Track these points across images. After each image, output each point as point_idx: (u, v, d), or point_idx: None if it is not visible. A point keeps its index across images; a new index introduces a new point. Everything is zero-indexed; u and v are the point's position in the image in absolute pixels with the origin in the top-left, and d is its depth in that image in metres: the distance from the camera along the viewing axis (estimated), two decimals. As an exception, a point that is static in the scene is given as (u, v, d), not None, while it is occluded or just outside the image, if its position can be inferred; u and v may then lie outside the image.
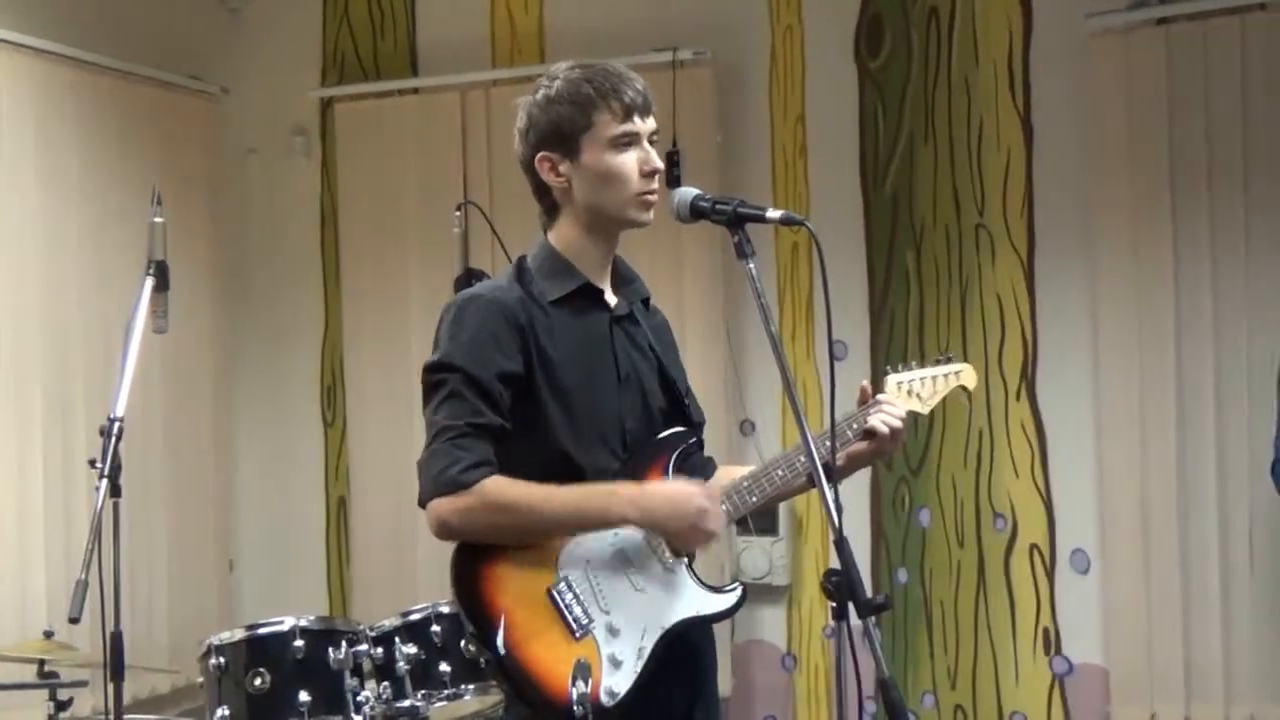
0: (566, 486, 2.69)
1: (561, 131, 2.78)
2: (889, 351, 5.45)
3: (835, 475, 2.82)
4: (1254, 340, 4.98)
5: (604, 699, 2.65)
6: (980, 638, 5.40)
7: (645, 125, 2.81)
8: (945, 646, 5.45)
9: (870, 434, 2.96)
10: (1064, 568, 5.32)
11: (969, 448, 5.41)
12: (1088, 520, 5.27)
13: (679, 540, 2.76)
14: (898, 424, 2.94)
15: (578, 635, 2.67)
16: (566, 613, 2.68)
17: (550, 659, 2.63)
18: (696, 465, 2.97)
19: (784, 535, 5.53)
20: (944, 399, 3.20)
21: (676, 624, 2.75)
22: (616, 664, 2.68)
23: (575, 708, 2.55)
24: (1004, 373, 5.36)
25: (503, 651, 2.63)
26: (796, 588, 5.63)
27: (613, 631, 2.69)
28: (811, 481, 2.96)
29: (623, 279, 2.93)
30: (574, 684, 2.56)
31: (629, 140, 2.79)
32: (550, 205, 2.86)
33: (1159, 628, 5.07)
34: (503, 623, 2.63)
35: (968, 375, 3.23)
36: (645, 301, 2.98)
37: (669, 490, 2.76)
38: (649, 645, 2.71)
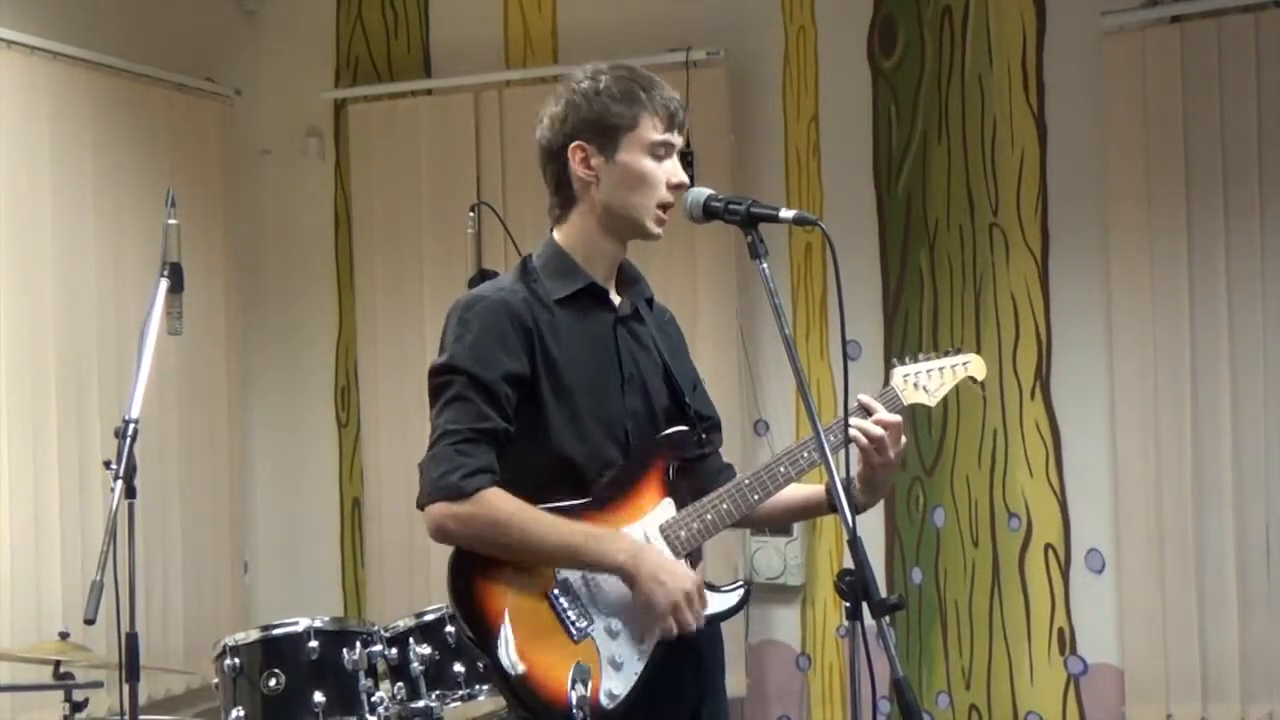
0: (569, 520, 2.68)
1: (605, 124, 2.77)
2: (903, 351, 5.41)
3: (849, 469, 2.83)
4: (1270, 338, 4.97)
5: (604, 701, 2.64)
6: (995, 638, 5.39)
7: (678, 140, 2.83)
8: (960, 646, 5.44)
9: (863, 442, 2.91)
10: (1079, 567, 5.30)
11: (983, 447, 5.40)
12: (1103, 519, 5.26)
13: (654, 610, 2.67)
14: (878, 431, 2.86)
15: (577, 638, 2.67)
16: (565, 616, 2.67)
17: (549, 663, 2.62)
18: (713, 469, 2.96)
19: (798, 535, 5.52)
20: (955, 391, 3.18)
21: None
22: (617, 666, 2.67)
23: (575, 711, 2.53)
24: (1018, 372, 5.36)
25: (501, 656, 2.62)
26: (810, 587, 5.62)
27: (612, 634, 2.69)
28: (825, 507, 2.96)
29: (627, 279, 2.93)
30: (573, 687, 2.54)
31: (665, 150, 2.80)
32: (567, 199, 2.84)
33: (1174, 627, 5.06)
34: (502, 627, 2.63)
35: (976, 366, 3.22)
36: (649, 302, 2.97)
37: (669, 564, 2.71)
38: (649, 647, 2.70)
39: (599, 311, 2.84)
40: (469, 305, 2.76)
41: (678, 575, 2.69)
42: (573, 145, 2.79)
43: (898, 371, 3.12)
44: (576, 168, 2.80)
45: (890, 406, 3.01)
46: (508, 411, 2.70)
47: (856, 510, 2.89)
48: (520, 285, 2.80)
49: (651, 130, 2.78)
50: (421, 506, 2.70)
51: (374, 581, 6.12)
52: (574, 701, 2.54)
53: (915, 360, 3.15)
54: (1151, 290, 5.12)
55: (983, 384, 3.25)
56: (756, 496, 2.84)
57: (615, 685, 2.66)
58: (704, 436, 2.94)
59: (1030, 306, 5.36)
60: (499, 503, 2.64)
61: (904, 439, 2.91)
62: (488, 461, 2.67)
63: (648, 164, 2.78)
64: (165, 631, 5.57)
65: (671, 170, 2.81)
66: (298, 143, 6.32)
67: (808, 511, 3.05)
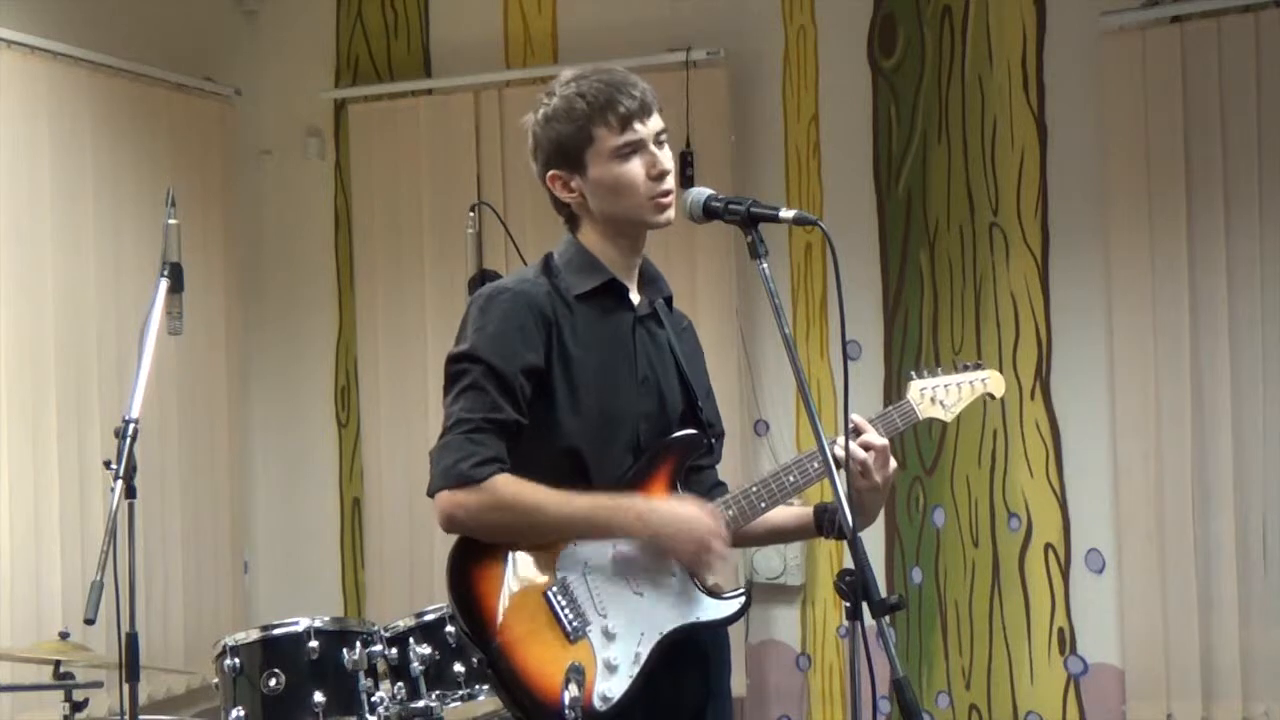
0: (577, 493, 2.68)
1: (565, 149, 2.78)
2: (903, 351, 5.45)
3: (850, 472, 2.82)
4: (1269, 338, 4.97)
5: (597, 703, 2.64)
6: (995, 637, 5.39)
7: (648, 128, 2.78)
8: (960, 646, 5.44)
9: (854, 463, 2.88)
10: (1079, 567, 5.30)
11: (983, 447, 5.40)
12: (1103, 519, 5.26)
13: (682, 561, 2.73)
14: (861, 454, 2.82)
15: (572, 638, 2.66)
16: (561, 615, 2.66)
17: (543, 662, 2.62)
18: (705, 483, 2.95)
19: (798, 536, 5.52)
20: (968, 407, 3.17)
21: (674, 630, 2.74)
22: (611, 668, 2.67)
23: (566, 711, 2.53)
24: (1018, 372, 5.35)
25: (495, 653, 2.62)
26: (811, 588, 5.62)
27: (609, 635, 2.68)
28: (819, 529, 2.95)
29: (647, 278, 2.93)
30: (566, 687, 2.54)
31: (631, 149, 2.77)
32: (570, 216, 2.87)
33: (1174, 627, 5.06)
34: (497, 623, 2.63)
35: (995, 383, 3.20)
36: (669, 301, 2.97)
37: (679, 510, 2.72)
38: (645, 650, 2.70)
39: (619, 310, 2.84)
40: (491, 296, 2.76)
41: (690, 522, 2.70)
42: (549, 176, 2.81)
43: (914, 385, 3.10)
44: (561, 194, 2.82)
45: (905, 420, 3.02)
46: (521, 404, 2.69)
47: (843, 534, 2.89)
48: (543, 279, 2.80)
49: (608, 139, 2.75)
50: (431, 494, 2.68)
51: (374, 581, 6.12)
52: (566, 702, 2.54)
53: (932, 373, 3.13)
54: (1151, 290, 5.12)
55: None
56: (763, 504, 2.84)
57: (609, 688, 2.66)
58: (712, 443, 2.94)
59: (1030, 306, 5.36)
60: (507, 486, 2.65)
61: (893, 463, 2.88)
62: (499, 451, 2.66)
63: (618, 169, 2.76)
64: (165, 631, 5.57)
65: (649, 162, 2.77)
66: (298, 143, 6.32)
67: (795, 533, 3.04)
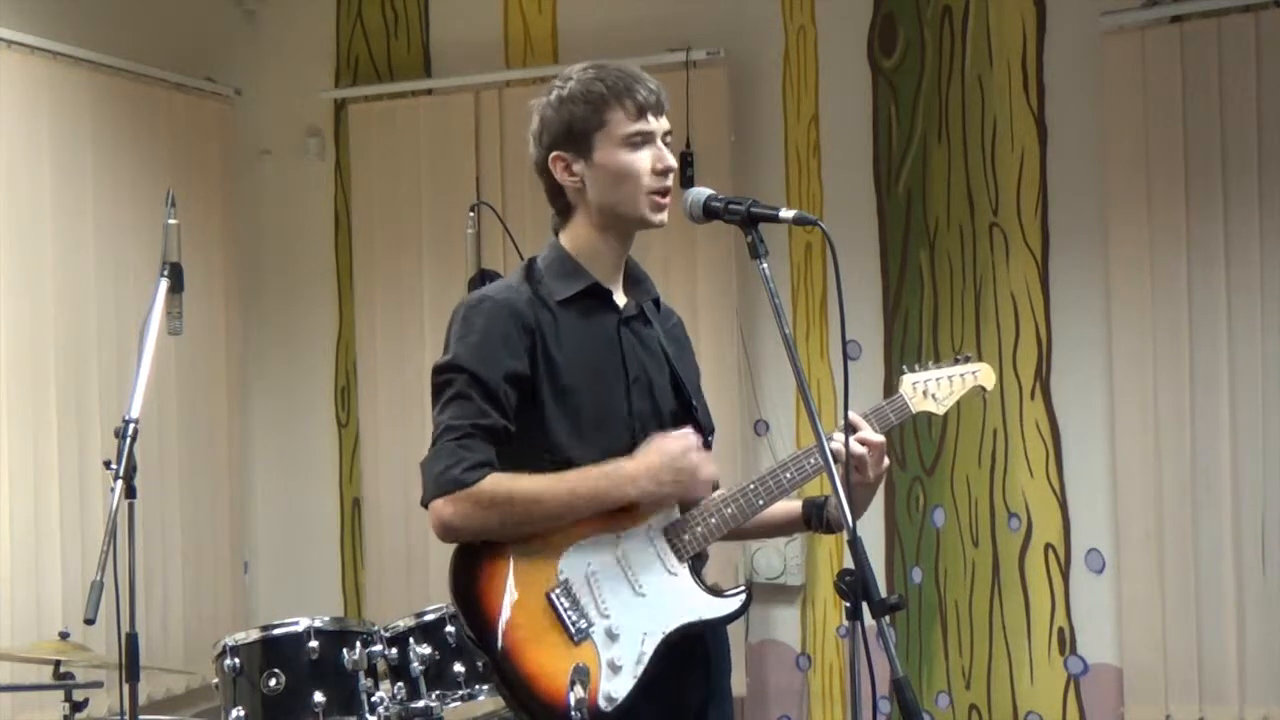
0: (564, 472, 2.70)
1: (574, 130, 2.78)
2: (903, 351, 5.45)
3: (849, 473, 2.82)
4: (1269, 339, 4.97)
5: (602, 704, 2.64)
6: (995, 638, 5.39)
7: (658, 125, 2.81)
8: (960, 646, 5.44)
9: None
10: (1079, 567, 5.30)
11: (983, 447, 5.40)
12: (1102, 520, 5.26)
13: (686, 499, 2.75)
14: (859, 450, 2.84)
15: (576, 639, 2.66)
16: (565, 616, 2.67)
17: (548, 663, 2.62)
18: None
19: (798, 535, 5.51)
20: (960, 400, 3.19)
21: (677, 629, 2.74)
22: (615, 669, 2.67)
23: (572, 713, 2.53)
24: (1018, 372, 5.36)
25: (500, 655, 2.62)
26: (811, 587, 5.62)
27: (612, 636, 2.68)
28: (807, 523, 2.99)
29: (633, 279, 2.92)
30: (571, 689, 2.54)
31: (642, 139, 2.78)
32: (564, 206, 2.86)
33: (1173, 628, 5.06)
34: (501, 626, 2.63)
35: (985, 375, 3.22)
36: (656, 301, 2.97)
37: (659, 448, 2.74)
38: (649, 650, 2.70)
39: (603, 312, 2.84)
40: (474, 305, 2.77)
41: (677, 468, 2.73)
42: (552, 157, 2.81)
43: (906, 379, 3.12)
44: (561, 177, 2.82)
45: (898, 414, 3.03)
46: (508, 410, 2.70)
47: (831, 528, 2.92)
48: (525, 286, 2.80)
49: (621, 124, 2.77)
50: (425, 504, 2.70)
51: (374, 581, 6.12)
52: (572, 703, 2.54)
53: (924, 367, 3.15)
54: (1151, 290, 5.12)
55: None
56: (762, 501, 2.84)
57: (614, 688, 2.66)
58: (709, 441, 2.94)
59: (1030, 307, 5.36)
60: (500, 483, 2.66)
61: (886, 461, 2.90)
62: (488, 456, 2.67)
63: (626, 157, 2.77)
64: (165, 631, 5.57)
65: (656, 156, 2.79)
66: (298, 142, 6.32)
67: (785, 527, 3.06)
